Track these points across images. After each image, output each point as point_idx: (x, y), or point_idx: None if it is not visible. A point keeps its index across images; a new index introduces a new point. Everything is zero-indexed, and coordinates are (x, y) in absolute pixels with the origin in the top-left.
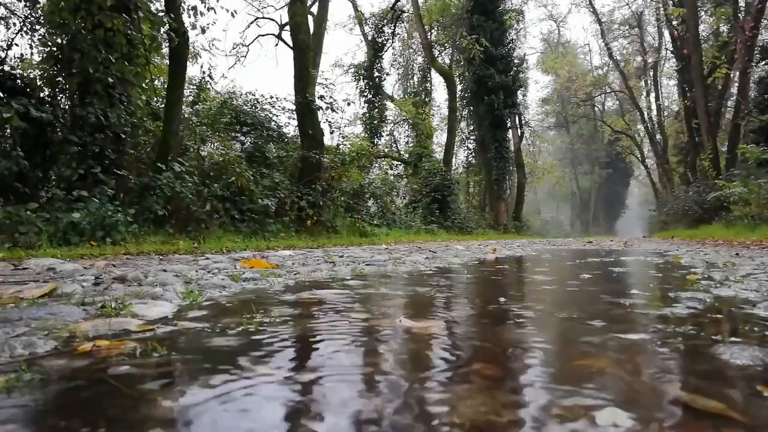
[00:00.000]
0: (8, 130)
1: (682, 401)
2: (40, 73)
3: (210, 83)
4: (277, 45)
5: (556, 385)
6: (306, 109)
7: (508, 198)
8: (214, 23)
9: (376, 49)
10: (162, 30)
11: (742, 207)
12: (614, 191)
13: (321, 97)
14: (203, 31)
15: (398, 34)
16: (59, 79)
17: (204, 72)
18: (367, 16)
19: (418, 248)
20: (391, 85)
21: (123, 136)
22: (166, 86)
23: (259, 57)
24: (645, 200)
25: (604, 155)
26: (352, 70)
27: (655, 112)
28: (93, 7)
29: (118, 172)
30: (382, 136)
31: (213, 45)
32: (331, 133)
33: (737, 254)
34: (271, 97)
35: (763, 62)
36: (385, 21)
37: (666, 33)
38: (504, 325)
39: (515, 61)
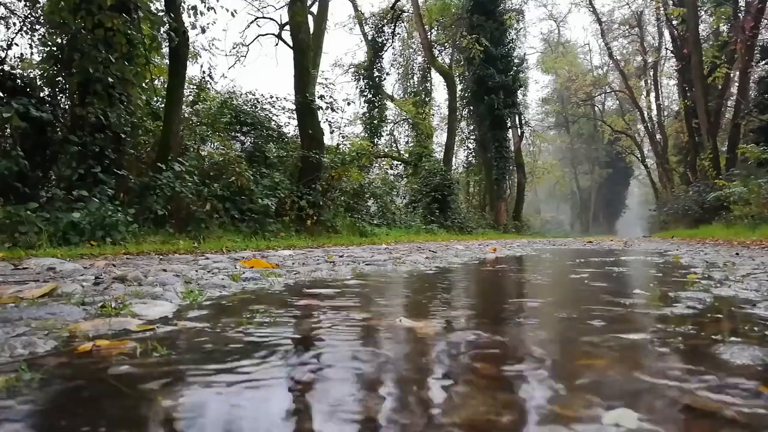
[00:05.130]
0: (8, 130)
1: (682, 401)
2: (40, 73)
3: (210, 83)
4: (277, 45)
5: (556, 385)
6: (306, 109)
7: (508, 198)
8: (214, 23)
9: (376, 49)
10: (162, 30)
11: (742, 207)
12: (614, 191)
13: (321, 97)
14: (203, 30)
15: (398, 33)
16: (59, 79)
17: (204, 72)
18: (367, 16)
19: (418, 248)
20: (391, 84)
21: (123, 136)
22: (166, 86)
23: (259, 57)
24: (645, 200)
25: (604, 155)
26: (352, 69)
27: (655, 112)
28: (93, 7)
29: (118, 172)
30: (382, 135)
31: (213, 45)
32: (331, 132)
33: (737, 254)
34: (271, 97)
35: (763, 62)
36: (385, 21)
37: (666, 33)
38: (504, 324)
39: (515, 60)
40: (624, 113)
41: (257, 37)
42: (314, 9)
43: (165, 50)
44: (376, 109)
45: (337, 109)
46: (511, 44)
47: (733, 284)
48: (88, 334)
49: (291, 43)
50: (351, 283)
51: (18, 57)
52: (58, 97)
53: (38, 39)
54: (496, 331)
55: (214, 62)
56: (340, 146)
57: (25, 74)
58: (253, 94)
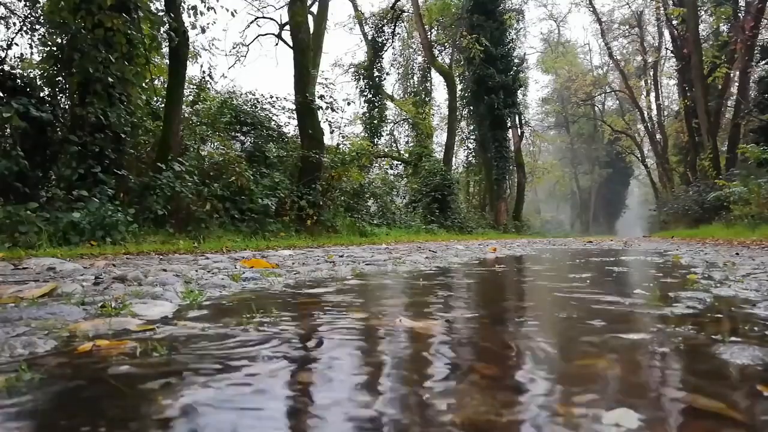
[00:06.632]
0: (8, 130)
1: (682, 401)
2: (40, 72)
3: (210, 83)
4: (277, 45)
5: (556, 385)
6: (306, 109)
7: (508, 198)
8: (214, 23)
9: (376, 49)
10: (162, 29)
11: (742, 207)
12: (614, 191)
13: (321, 97)
14: (203, 30)
15: (398, 33)
16: (59, 78)
17: (204, 72)
18: (367, 16)
19: (418, 248)
20: (391, 84)
21: (123, 136)
22: (166, 86)
23: (259, 57)
24: (645, 200)
25: (604, 155)
26: (352, 69)
27: (655, 112)
28: (93, 7)
29: (118, 172)
30: (382, 135)
31: (213, 45)
32: (331, 132)
33: (737, 254)
34: (271, 97)
35: (763, 62)
36: (385, 21)
37: (666, 32)
38: (504, 324)
39: (515, 60)
40: (624, 113)
41: (257, 37)
42: (314, 9)
43: (165, 50)
44: (376, 109)
45: (337, 109)
46: (511, 44)
47: (733, 284)
48: (88, 334)
49: (291, 43)
50: (351, 283)
51: (18, 57)
52: (58, 97)
53: (38, 39)
54: (496, 331)
55: (214, 62)
56: (340, 146)
57: (25, 74)
58: (253, 94)
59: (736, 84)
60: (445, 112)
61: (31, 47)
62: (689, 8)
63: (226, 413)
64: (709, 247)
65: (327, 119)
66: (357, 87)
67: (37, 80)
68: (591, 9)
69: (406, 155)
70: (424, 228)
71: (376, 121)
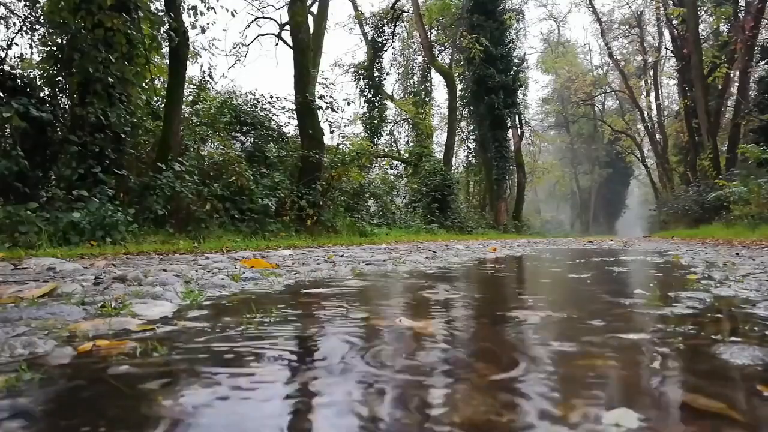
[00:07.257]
0: (8, 130)
1: (682, 401)
2: (40, 72)
3: (210, 83)
4: (277, 45)
5: (555, 384)
6: (306, 109)
7: (508, 198)
8: (214, 23)
9: (376, 49)
10: (162, 29)
11: (742, 207)
12: (614, 191)
13: (321, 97)
14: (203, 30)
15: (398, 33)
16: (59, 78)
17: (204, 72)
18: (367, 16)
19: (418, 248)
20: (391, 84)
21: (123, 136)
22: (166, 86)
23: (259, 57)
24: (645, 200)
25: (604, 155)
26: (352, 69)
27: (655, 112)
28: (93, 7)
29: (118, 172)
30: (382, 135)
31: (213, 45)
32: (331, 132)
33: (737, 254)
34: (271, 97)
35: (763, 62)
36: (385, 20)
37: (666, 32)
38: (503, 324)
39: (515, 60)
40: (624, 113)
41: (257, 37)
42: (314, 9)
43: (165, 50)
44: (376, 109)
45: (337, 109)
46: (511, 44)
47: (733, 284)
48: (88, 333)
49: (291, 43)
50: (351, 283)
51: (18, 57)
52: (58, 97)
53: (38, 39)
54: (496, 331)
55: (214, 62)
56: (340, 146)
57: (25, 74)
58: (253, 94)
59: (736, 84)
60: (445, 112)
61: (31, 47)
62: (689, 8)
63: (226, 413)
64: (709, 247)
65: (327, 119)
66: (357, 87)
67: (37, 80)
68: (591, 9)
69: (406, 155)
70: (424, 228)
71: (376, 121)
